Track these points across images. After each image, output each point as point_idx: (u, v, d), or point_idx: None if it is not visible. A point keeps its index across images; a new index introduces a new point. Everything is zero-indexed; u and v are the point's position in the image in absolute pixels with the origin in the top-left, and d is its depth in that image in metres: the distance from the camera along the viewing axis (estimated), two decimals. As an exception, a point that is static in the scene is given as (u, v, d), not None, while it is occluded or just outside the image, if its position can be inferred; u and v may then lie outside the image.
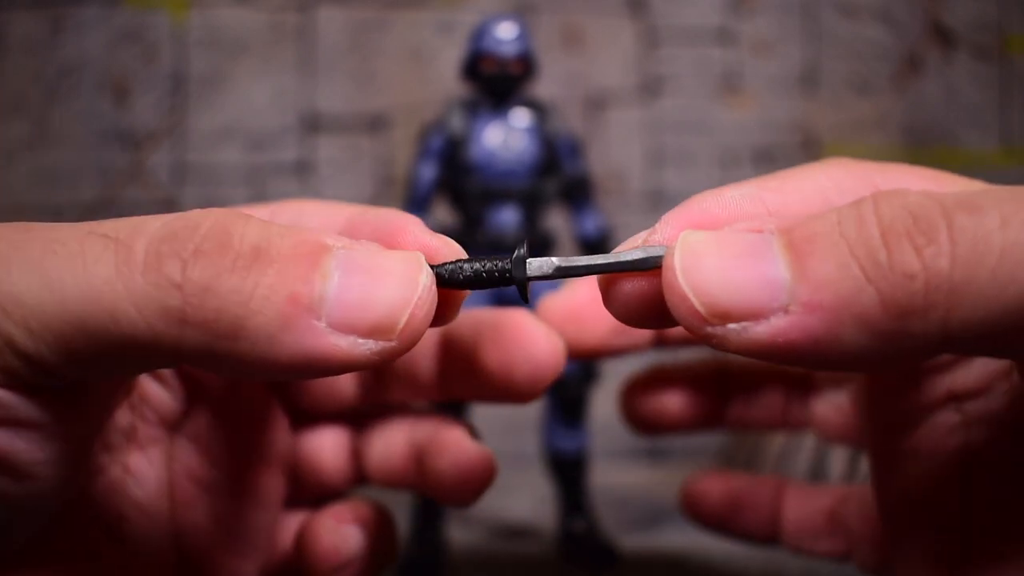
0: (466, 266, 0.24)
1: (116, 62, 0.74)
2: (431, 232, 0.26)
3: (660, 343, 0.36)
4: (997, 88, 0.76)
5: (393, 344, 0.22)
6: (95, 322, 0.21)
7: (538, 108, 0.51)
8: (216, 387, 0.31)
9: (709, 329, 0.21)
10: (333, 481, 0.34)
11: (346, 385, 0.33)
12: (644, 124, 0.78)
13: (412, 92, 0.76)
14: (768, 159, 0.78)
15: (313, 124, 0.76)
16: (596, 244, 0.52)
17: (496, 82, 0.50)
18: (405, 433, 0.33)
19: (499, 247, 0.49)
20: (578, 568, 0.49)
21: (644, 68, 0.78)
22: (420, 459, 0.32)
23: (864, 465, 0.49)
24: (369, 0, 0.76)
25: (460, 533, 0.53)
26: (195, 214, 0.22)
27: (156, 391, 0.30)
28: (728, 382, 0.40)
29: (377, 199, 0.76)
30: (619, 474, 0.69)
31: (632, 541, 0.52)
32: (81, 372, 0.22)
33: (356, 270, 0.22)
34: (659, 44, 0.78)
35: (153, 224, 0.22)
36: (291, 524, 0.34)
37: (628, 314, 0.25)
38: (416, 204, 0.50)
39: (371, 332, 0.22)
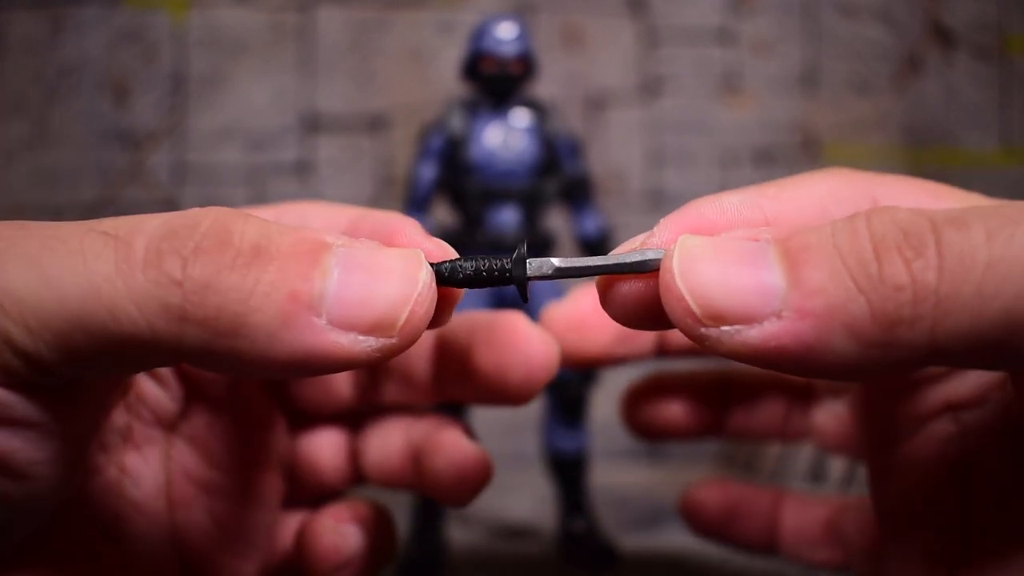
0: (466, 264, 0.24)
1: (116, 62, 0.74)
2: (426, 235, 0.26)
3: (662, 352, 0.37)
4: (997, 88, 0.76)
5: (394, 341, 0.22)
6: (95, 319, 0.21)
7: (538, 108, 0.51)
8: (214, 387, 0.31)
9: (703, 330, 0.21)
10: (331, 481, 0.34)
11: (343, 387, 0.33)
12: (644, 124, 0.78)
13: (412, 92, 0.76)
14: (768, 159, 0.78)
15: (313, 124, 0.76)
16: (596, 244, 0.52)
17: (496, 82, 0.50)
18: (402, 433, 0.33)
19: (499, 247, 0.49)
20: (578, 568, 0.49)
21: (644, 68, 0.78)
22: (417, 459, 0.32)
23: (863, 469, 0.49)
24: (369, 0, 0.76)
25: (460, 533, 0.53)
26: (195, 212, 0.22)
27: (153, 391, 0.30)
28: (729, 391, 0.40)
29: (377, 199, 0.76)
30: (619, 474, 0.69)
31: (632, 541, 0.52)
32: (80, 370, 0.22)
33: (356, 267, 0.22)
34: (659, 44, 0.78)
35: (153, 222, 0.22)
36: (290, 524, 0.34)
37: (625, 315, 0.25)
38: (416, 204, 0.50)
39: (371, 329, 0.22)
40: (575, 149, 0.51)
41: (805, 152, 0.78)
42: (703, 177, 0.77)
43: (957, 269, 0.20)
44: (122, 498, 0.29)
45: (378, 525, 0.32)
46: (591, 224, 0.52)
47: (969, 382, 0.28)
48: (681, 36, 0.78)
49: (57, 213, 0.73)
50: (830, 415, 0.37)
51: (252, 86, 0.75)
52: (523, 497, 0.61)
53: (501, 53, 0.49)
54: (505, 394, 0.31)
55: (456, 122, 0.50)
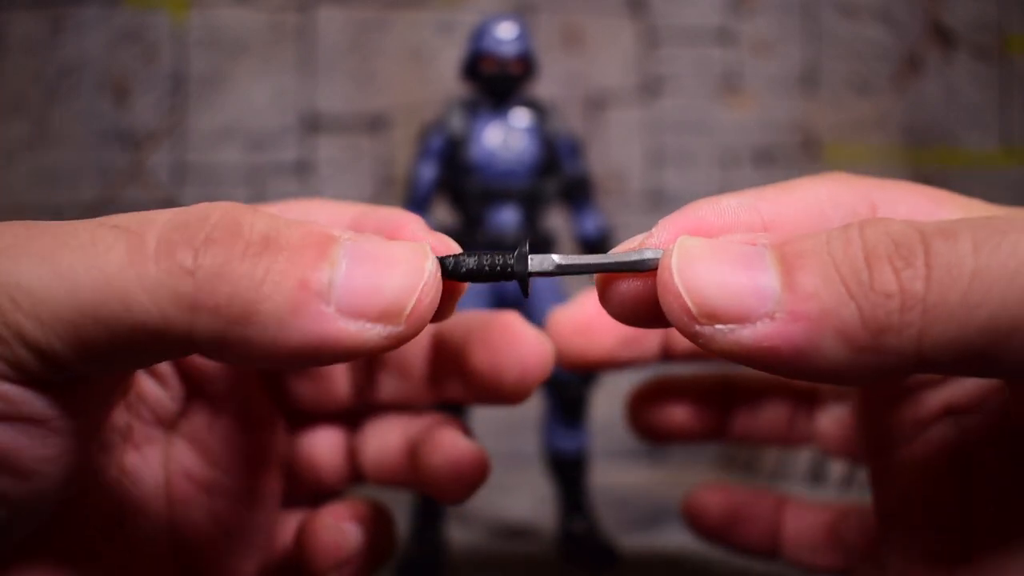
0: (469, 259, 0.25)
1: (116, 62, 0.74)
2: (430, 230, 0.26)
3: (667, 356, 0.37)
4: (997, 88, 0.76)
5: (401, 329, 0.22)
6: (107, 310, 0.21)
7: (538, 108, 0.51)
8: (213, 386, 0.31)
9: (698, 328, 0.22)
10: (330, 480, 0.34)
11: (340, 385, 0.34)
12: (644, 124, 0.78)
13: (412, 92, 0.76)
14: (768, 159, 0.78)
15: (313, 124, 0.76)
16: (596, 244, 0.52)
17: (496, 82, 0.50)
18: (400, 432, 0.33)
19: (499, 247, 0.49)
20: (578, 568, 0.49)
21: (644, 68, 0.78)
22: (414, 456, 0.32)
23: (862, 471, 0.49)
24: (369, 0, 0.76)
25: (460, 533, 0.53)
26: (204, 206, 0.23)
27: (153, 390, 0.30)
28: (733, 395, 0.40)
29: (377, 199, 0.76)
30: (619, 474, 0.69)
31: (632, 541, 0.52)
32: (91, 363, 0.22)
33: (364, 257, 0.23)
34: (659, 44, 0.78)
35: (164, 216, 0.22)
36: (289, 524, 0.34)
37: (623, 312, 0.26)
38: (416, 204, 0.50)
39: (379, 317, 0.22)
40: (575, 149, 0.51)
41: (805, 152, 0.78)
42: (703, 177, 0.77)
43: (944, 279, 0.20)
44: (122, 498, 0.29)
45: (377, 523, 0.32)
46: (591, 224, 0.52)
47: (968, 387, 0.28)
48: (681, 36, 0.78)
49: (57, 213, 0.73)
50: (833, 419, 0.37)
51: (252, 86, 0.75)
52: (523, 497, 0.61)
53: (501, 53, 0.49)
54: (500, 393, 0.31)
55: (456, 122, 0.50)
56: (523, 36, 0.49)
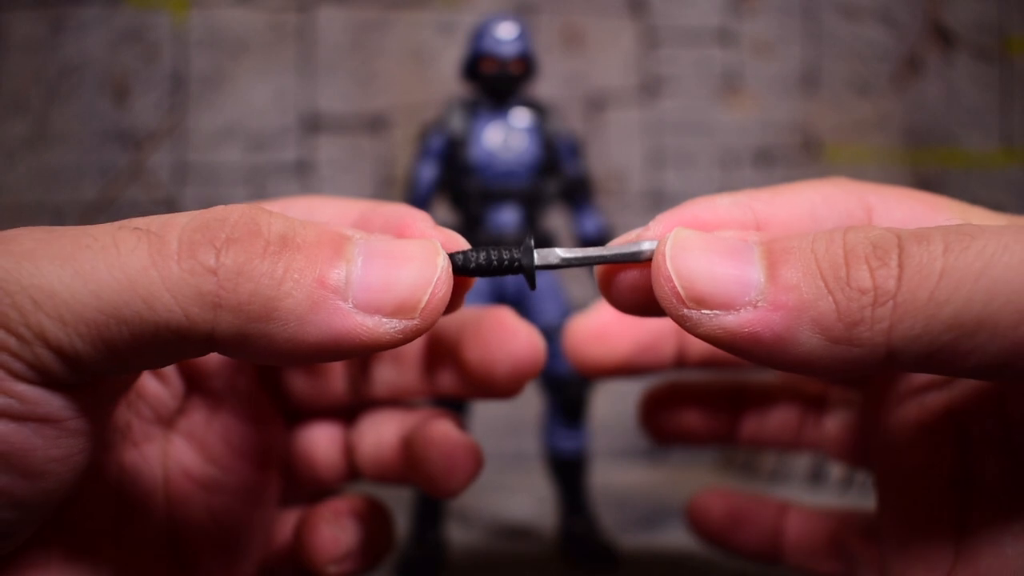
0: (478, 254, 0.26)
1: (116, 62, 0.74)
2: (438, 226, 0.27)
3: (681, 363, 0.37)
4: (998, 89, 0.76)
5: (416, 322, 0.23)
6: (130, 310, 0.22)
7: (538, 108, 0.51)
8: (212, 384, 0.31)
9: (685, 311, 0.23)
10: (327, 477, 0.34)
11: (336, 380, 0.34)
12: (644, 124, 0.78)
13: (412, 92, 0.76)
14: (768, 160, 0.78)
15: (313, 124, 0.76)
16: (596, 244, 0.52)
17: (496, 82, 0.50)
18: (396, 427, 0.33)
19: (503, 245, 0.49)
20: (578, 568, 0.49)
21: (644, 68, 0.78)
22: (408, 449, 0.32)
23: (861, 472, 0.48)
24: (369, 0, 0.76)
25: (460, 533, 0.53)
26: (222, 208, 0.23)
27: (153, 388, 0.30)
28: (743, 400, 0.40)
29: (377, 199, 0.76)
30: (619, 474, 0.69)
31: (632, 541, 0.52)
32: (112, 363, 0.22)
33: (378, 254, 0.24)
34: (659, 44, 0.78)
35: (183, 218, 0.23)
36: (287, 521, 0.34)
37: (622, 301, 0.27)
38: (416, 204, 0.50)
39: (395, 311, 0.23)
40: (575, 149, 0.51)
41: (805, 153, 0.78)
42: (703, 178, 0.77)
43: (915, 277, 0.22)
44: (121, 495, 0.29)
45: (376, 519, 0.32)
46: (591, 224, 0.52)
47: (970, 389, 0.28)
48: (681, 36, 0.78)
49: (57, 213, 0.73)
50: (840, 424, 0.37)
51: (252, 86, 0.75)
52: (523, 497, 0.61)
53: (501, 53, 0.49)
54: (492, 387, 0.32)
55: (456, 122, 0.50)
56: (523, 36, 0.49)
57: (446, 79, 0.71)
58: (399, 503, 0.42)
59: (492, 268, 0.26)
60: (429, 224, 0.27)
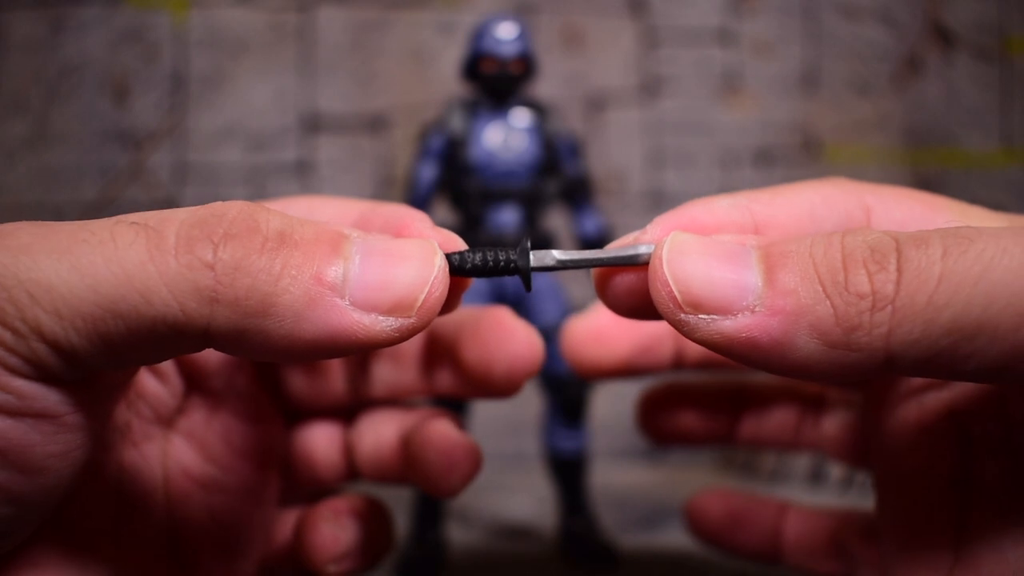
0: (474, 255, 0.26)
1: (116, 62, 0.74)
2: (436, 227, 0.27)
3: (679, 364, 0.37)
4: (998, 89, 0.76)
5: (412, 321, 0.23)
6: (127, 304, 0.22)
7: (538, 108, 0.51)
8: (212, 383, 0.31)
9: (682, 316, 0.23)
10: (326, 476, 0.34)
11: (336, 379, 0.34)
12: (644, 124, 0.78)
13: (412, 92, 0.76)
14: (768, 160, 0.78)
15: (313, 124, 0.76)
16: (596, 244, 0.52)
17: (496, 82, 0.50)
18: (395, 427, 0.33)
19: (500, 246, 0.49)
20: (578, 568, 0.49)
21: (644, 68, 0.78)
22: (407, 449, 0.32)
23: (862, 472, 0.48)
24: (369, 0, 0.76)
25: (460, 533, 0.53)
26: (220, 204, 0.23)
27: (153, 387, 0.30)
28: (742, 401, 0.40)
29: (377, 199, 0.76)
30: (619, 474, 0.69)
31: (632, 541, 0.52)
32: (109, 358, 0.22)
33: (376, 253, 0.24)
34: (659, 44, 0.78)
35: (181, 213, 0.23)
36: (287, 521, 0.34)
37: (619, 304, 0.27)
38: (416, 204, 0.50)
39: (392, 309, 0.23)
40: (575, 149, 0.51)
41: (806, 153, 0.78)
42: (703, 178, 0.77)
43: (913, 281, 0.22)
44: (121, 495, 0.29)
45: (375, 518, 0.32)
46: (591, 224, 0.52)
47: (970, 389, 0.28)
48: (681, 36, 0.78)
49: (57, 213, 0.73)
50: (839, 425, 0.37)
51: (252, 86, 0.75)
52: (523, 497, 0.61)
53: (501, 53, 0.49)
54: (490, 386, 0.32)
55: (456, 122, 0.50)
56: (523, 36, 0.49)
57: (446, 79, 0.71)
58: (399, 503, 0.42)
59: (488, 269, 0.26)
60: (427, 224, 0.27)
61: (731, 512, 0.40)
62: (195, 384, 0.31)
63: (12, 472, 0.22)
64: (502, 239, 0.49)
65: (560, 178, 0.51)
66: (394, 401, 0.35)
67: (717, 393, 0.41)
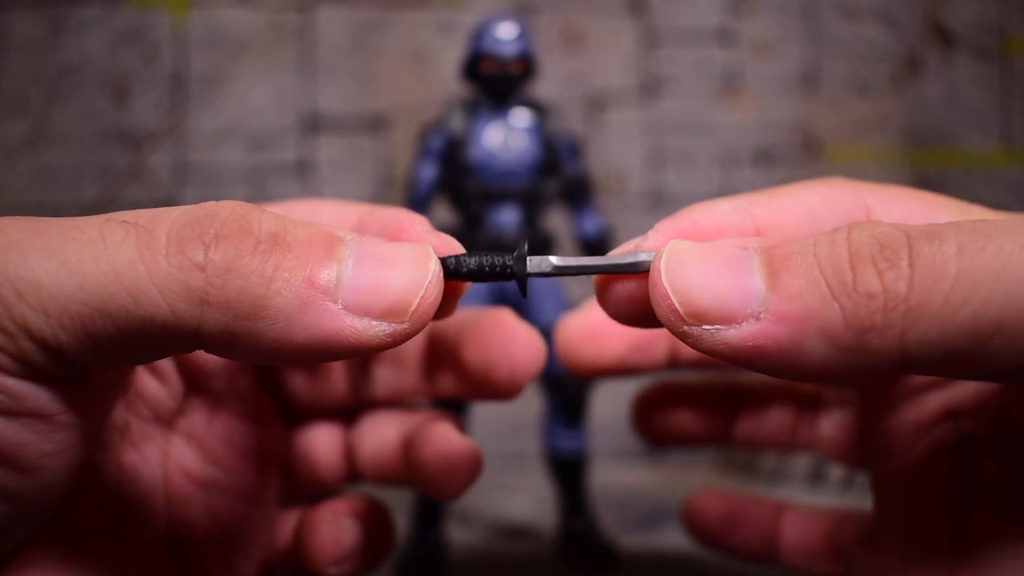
0: (470, 259, 0.25)
1: (116, 62, 0.74)
2: (434, 231, 0.27)
3: (674, 363, 0.37)
4: (998, 89, 0.76)
5: (405, 326, 0.23)
6: (116, 304, 0.21)
7: (538, 108, 0.51)
8: (212, 384, 0.31)
9: (685, 328, 0.23)
10: (327, 478, 0.34)
11: (337, 382, 0.34)
12: (644, 124, 0.78)
13: (412, 92, 0.76)
14: (768, 160, 0.78)
15: (313, 124, 0.76)
16: (596, 244, 0.52)
17: (496, 82, 0.50)
18: (396, 428, 0.33)
19: (499, 247, 0.49)
20: (578, 568, 0.49)
21: (644, 68, 0.78)
22: (408, 453, 0.32)
23: (862, 473, 0.48)
24: (369, 0, 0.76)
25: (460, 533, 0.53)
26: (212, 204, 0.23)
27: (152, 387, 0.30)
28: (738, 400, 0.40)
29: (377, 199, 0.76)
30: (619, 474, 0.69)
31: (632, 541, 0.52)
32: (97, 357, 0.22)
33: (369, 257, 0.23)
34: (659, 44, 0.78)
35: (173, 212, 0.23)
36: (287, 522, 0.34)
37: (620, 312, 0.27)
38: (416, 204, 0.50)
39: (385, 314, 0.23)
40: (575, 149, 0.51)
41: (806, 153, 0.78)
42: (703, 178, 0.77)
43: (927, 279, 0.21)
44: (120, 495, 0.29)
45: (376, 519, 0.32)
46: (591, 224, 0.52)
47: (969, 389, 0.28)
48: (681, 36, 0.78)
49: (57, 213, 0.73)
50: (836, 424, 0.37)
51: (252, 86, 0.75)
52: (523, 497, 0.61)
53: (501, 53, 0.49)
54: (491, 388, 0.32)
55: (456, 122, 0.50)
56: (523, 36, 0.49)
57: (446, 79, 0.71)
58: (399, 503, 0.42)
59: (484, 274, 0.26)
60: (426, 228, 0.27)
61: (727, 512, 0.39)
62: (195, 384, 0.31)
63: (8, 471, 0.22)
64: (502, 239, 0.49)
65: (560, 178, 0.51)
66: (395, 402, 0.35)
67: (712, 393, 0.40)
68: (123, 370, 0.26)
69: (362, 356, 0.25)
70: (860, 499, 0.59)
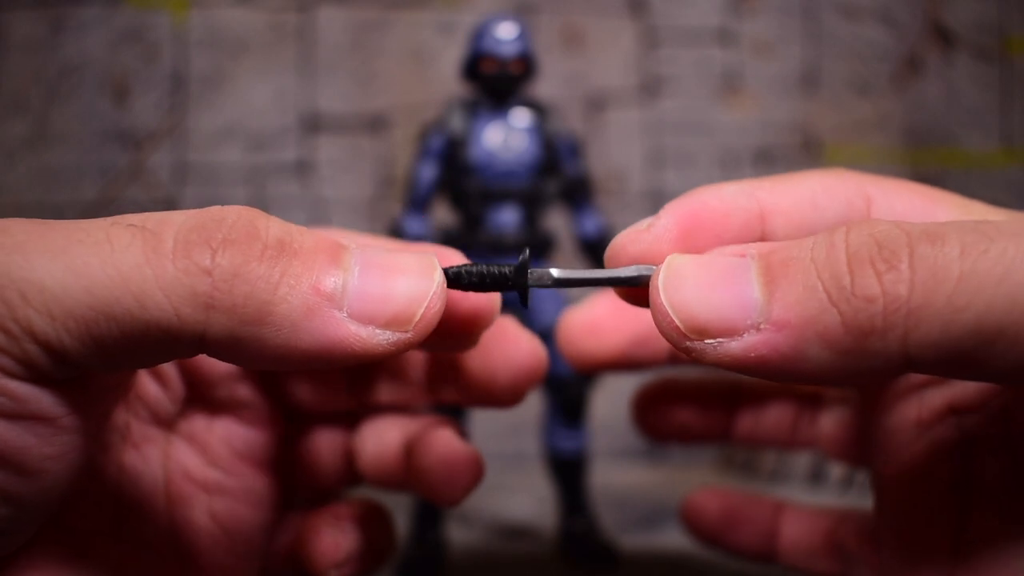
0: (472, 270, 0.26)
1: (116, 62, 0.74)
2: (434, 246, 0.27)
3: (676, 359, 0.37)
4: (998, 89, 0.76)
5: (408, 336, 0.23)
6: (121, 307, 0.21)
7: (538, 108, 0.51)
8: (214, 387, 0.31)
9: (688, 343, 0.23)
10: (328, 481, 0.34)
11: (338, 387, 0.34)
12: (644, 124, 0.78)
13: (412, 92, 0.76)
14: (768, 160, 0.78)
15: (313, 124, 0.76)
16: (596, 244, 0.52)
17: (496, 82, 0.50)
18: (398, 433, 0.33)
19: (499, 247, 0.49)
20: (578, 568, 0.49)
21: (644, 68, 0.78)
22: (409, 459, 0.32)
23: (862, 472, 0.48)
24: (369, 0, 0.76)
25: (460, 533, 0.53)
26: (219, 209, 0.23)
27: (153, 390, 0.30)
28: (738, 398, 0.40)
29: (377, 199, 0.76)
30: (619, 474, 0.69)
31: (632, 541, 0.52)
32: (101, 360, 0.22)
33: (375, 265, 0.23)
34: (659, 44, 0.78)
35: (180, 216, 0.23)
36: (288, 525, 0.34)
37: (628, 292, 0.27)
38: (416, 204, 0.50)
39: (389, 323, 0.23)
40: (575, 149, 0.51)
41: (805, 153, 0.78)
42: (703, 178, 0.77)
43: (929, 282, 0.21)
44: (121, 497, 0.29)
45: (377, 523, 0.32)
46: (591, 224, 0.52)
47: (971, 386, 0.28)
48: (681, 36, 0.78)
49: (57, 213, 0.73)
50: (836, 422, 0.37)
51: (252, 86, 0.75)
52: (523, 497, 0.61)
53: (501, 53, 0.49)
54: (493, 396, 0.32)
55: (456, 122, 0.50)
56: (523, 36, 0.49)
57: (446, 79, 0.71)
58: (399, 503, 0.42)
59: (486, 284, 0.26)
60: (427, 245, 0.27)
61: (727, 511, 0.39)
62: (197, 387, 0.31)
63: (9, 474, 0.22)
64: (502, 239, 0.49)
65: (560, 178, 0.51)
66: (397, 407, 0.34)
67: (713, 390, 0.40)
68: (125, 372, 0.26)
69: (365, 363, 0.25)
70: (860, 498, 0.59)
